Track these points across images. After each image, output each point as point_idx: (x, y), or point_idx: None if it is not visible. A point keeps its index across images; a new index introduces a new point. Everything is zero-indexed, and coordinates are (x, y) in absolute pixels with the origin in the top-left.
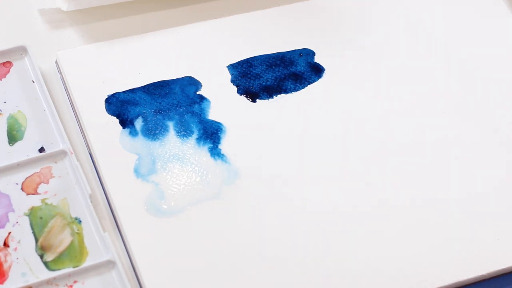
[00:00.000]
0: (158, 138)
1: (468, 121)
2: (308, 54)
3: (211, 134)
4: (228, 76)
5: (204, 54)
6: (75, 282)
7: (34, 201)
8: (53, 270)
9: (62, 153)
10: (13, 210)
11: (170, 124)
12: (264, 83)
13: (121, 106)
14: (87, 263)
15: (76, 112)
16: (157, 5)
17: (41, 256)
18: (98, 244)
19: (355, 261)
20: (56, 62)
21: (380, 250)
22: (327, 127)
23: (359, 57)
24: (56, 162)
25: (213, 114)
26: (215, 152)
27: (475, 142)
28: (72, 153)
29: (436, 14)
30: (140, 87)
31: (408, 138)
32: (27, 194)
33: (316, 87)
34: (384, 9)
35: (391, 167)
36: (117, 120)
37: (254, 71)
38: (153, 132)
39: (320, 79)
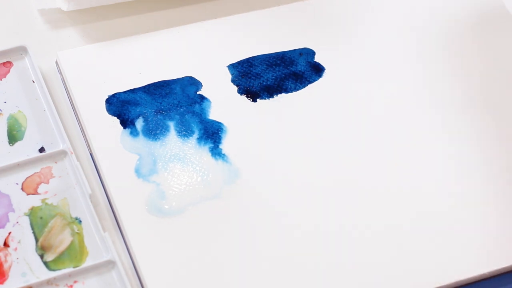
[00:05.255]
0: (159, 138)
1: (469, 120)
2: (308, 53)
3: (211, 134)
4: (228, 76)
5: (204, 54)
6: (75, 282)
7: (34, 201)
8: (53, 270)
9: (62, 153)
10: (13, 210)
11: (171, 124)
12: (264, 83)
13: (122, 106)
14: (87, 263)
15: (76, 112)
16: (157, 5)
17: (41, 256)
18: (98, 244)
19: (355, 260)
20: (56, 62)
21: (380, 249)
22: (328, 127)
23: (359, 56)
24: (56, 162)
25: (213, 114)
26: (215, 152)
27: (476, 141)
28: (72, 153)
29: (436, 13)
30: (140, 87)
31: (409, 136)
32: (27, 194)
33: (317, 87)
34: (385, 8)
35: (393, 165)
36: (118, 120)
37: (254, 71)
38: (153, 132)
39: (320, 79)
